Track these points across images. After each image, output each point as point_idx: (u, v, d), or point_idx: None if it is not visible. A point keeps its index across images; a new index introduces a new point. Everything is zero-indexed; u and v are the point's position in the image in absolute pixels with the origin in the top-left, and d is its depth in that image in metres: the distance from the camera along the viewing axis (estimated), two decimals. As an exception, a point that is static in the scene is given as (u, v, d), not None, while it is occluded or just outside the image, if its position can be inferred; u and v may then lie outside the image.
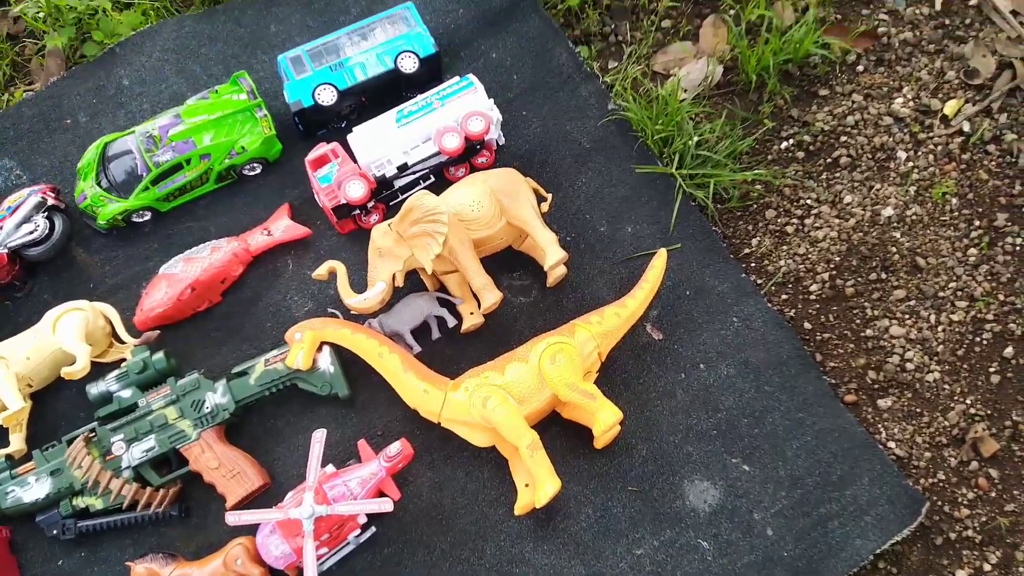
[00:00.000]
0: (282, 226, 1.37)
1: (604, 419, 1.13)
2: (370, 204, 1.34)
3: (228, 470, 1.20)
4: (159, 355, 1.25)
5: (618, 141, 1.42)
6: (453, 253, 1.22)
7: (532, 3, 1.52)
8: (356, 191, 1.29)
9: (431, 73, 1.44)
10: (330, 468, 1.16)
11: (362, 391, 1.27)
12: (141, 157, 1.34)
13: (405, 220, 1.21)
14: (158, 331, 1.30)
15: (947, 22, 1.52)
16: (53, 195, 1.37)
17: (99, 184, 1.36)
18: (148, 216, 1.39)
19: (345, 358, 1.26)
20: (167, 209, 1.40)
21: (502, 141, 1.42)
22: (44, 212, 1.35)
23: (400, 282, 1.23)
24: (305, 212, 1.40)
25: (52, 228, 1.35)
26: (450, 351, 1.29)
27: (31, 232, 1.32)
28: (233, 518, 1.07)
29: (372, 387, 1.26)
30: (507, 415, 1.11)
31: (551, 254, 1.23)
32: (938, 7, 1.53)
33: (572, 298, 1.32)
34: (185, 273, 1.30)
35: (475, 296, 1.27)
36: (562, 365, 1.13)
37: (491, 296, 1.22)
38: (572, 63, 1.48)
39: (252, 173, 1.42)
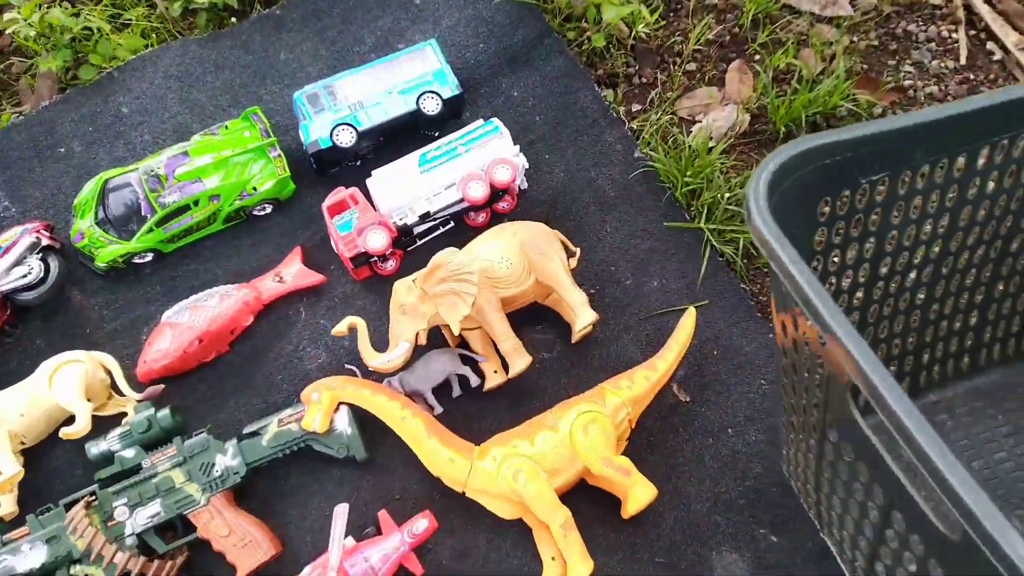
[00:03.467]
0: (294, 272, 1.30)
1: (638, 497, 1.09)
2: (388, 251, 1.28)
3: (239, 538, 1.14)
4: (165, 412, 1.18)
5: (644, 191, 1.38)
6: (481, 313, 1.17)
7: (556, 42, 1.47)
8: (378, 241, 1.23)
9: (452, 114, 1.38)
10: (349, 541, 1.10)
11: (378, 451, 1.21)
12: (145, 197, 1.26)
13: (431, 278, 1.16)
14: (162, 385, 1.23)
15: (971, 76, 1.51)
16: (47, 234, 1.28)
17: (98, 223, 1.27)
18: (150, 257, 1.31)
19: (361, 416, 1.20)
20: (170, 250, 1.32)
21: (524, 186, 1.38)
22: (39, 253, 1.26)
23: (424, 340, 1.18)
24: (318, 255, 1.33)
25: (47, 271, 1.26)
26: (472, 409, 1.24)
27: (24, 275, 1.24)
28: (251, 598, 1.01)
29: (388, 446, 1.20)
30: (539, 492, 1.06)
31: (582, 316, 1.19)
32: (963, 61, 1.51)
33: (598, 355, 1.28)
34: (192, 323, 1.23)
35: (498, 352, 1.22)
36: (595, 437, 1.09)
37: (521, 361, 1.18)
38: (597, 106, 1.44)
39: (262, 213, 1.35)
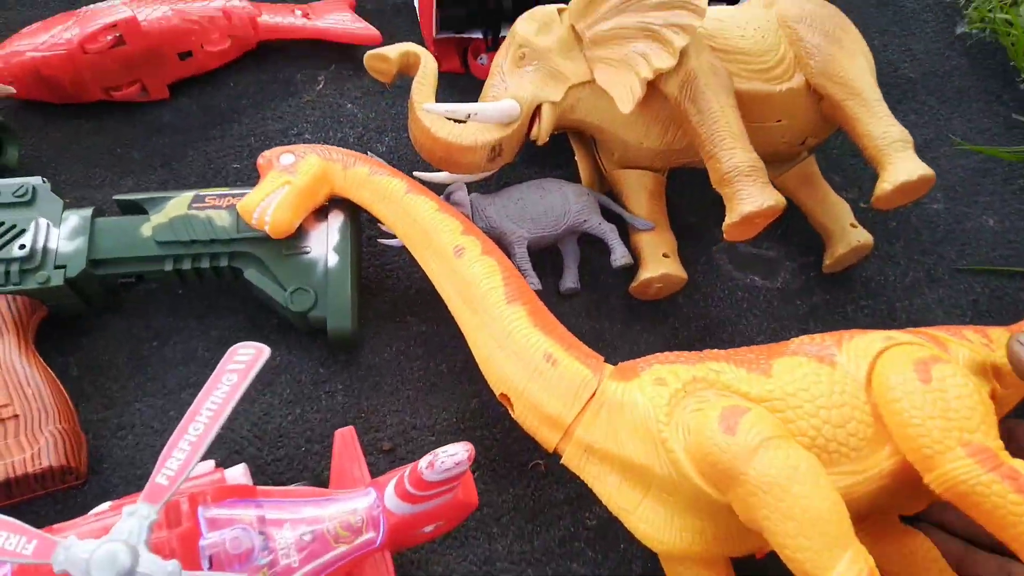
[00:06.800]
0: (336, 16, 0.71)
1: None
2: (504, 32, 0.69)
3: (14, 400, 0.47)
4: (-9, 126, 0.56)
5: (970, 81, 0.77)
6: (693, 86, 0.53)
7: None
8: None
9: None
10: (240, 471, 0.42)
11: (377, 342, 0.55)
12: None
13: (602, 5, 0.54)
14: (13, 89, 0.62)
15: None
16: None
17: None
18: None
19: (379, 254, 0.55)
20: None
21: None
22: None
23: (545, 137, 0.55)
24: (380, 19, 0.75)
25: None
26: (590, 322, 0.59)
27: None
28: None
29: (405, 340, 0.55)
30: (820, 493, 0.36)
31: (900, 164, 0.54)
32: None
33: (865, 307, 0.62)
34: (120, 10, 0.64)
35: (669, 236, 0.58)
36: (955, 393, 0.40)
37: (754, 198, 0.51)
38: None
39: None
